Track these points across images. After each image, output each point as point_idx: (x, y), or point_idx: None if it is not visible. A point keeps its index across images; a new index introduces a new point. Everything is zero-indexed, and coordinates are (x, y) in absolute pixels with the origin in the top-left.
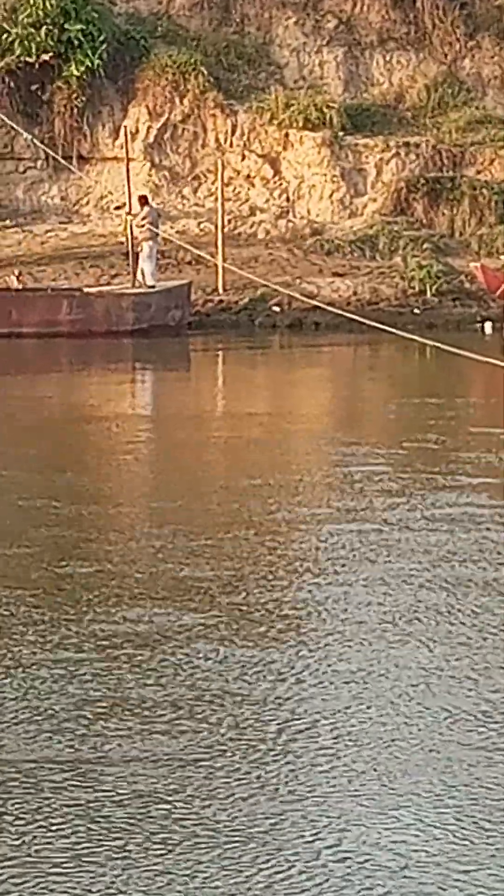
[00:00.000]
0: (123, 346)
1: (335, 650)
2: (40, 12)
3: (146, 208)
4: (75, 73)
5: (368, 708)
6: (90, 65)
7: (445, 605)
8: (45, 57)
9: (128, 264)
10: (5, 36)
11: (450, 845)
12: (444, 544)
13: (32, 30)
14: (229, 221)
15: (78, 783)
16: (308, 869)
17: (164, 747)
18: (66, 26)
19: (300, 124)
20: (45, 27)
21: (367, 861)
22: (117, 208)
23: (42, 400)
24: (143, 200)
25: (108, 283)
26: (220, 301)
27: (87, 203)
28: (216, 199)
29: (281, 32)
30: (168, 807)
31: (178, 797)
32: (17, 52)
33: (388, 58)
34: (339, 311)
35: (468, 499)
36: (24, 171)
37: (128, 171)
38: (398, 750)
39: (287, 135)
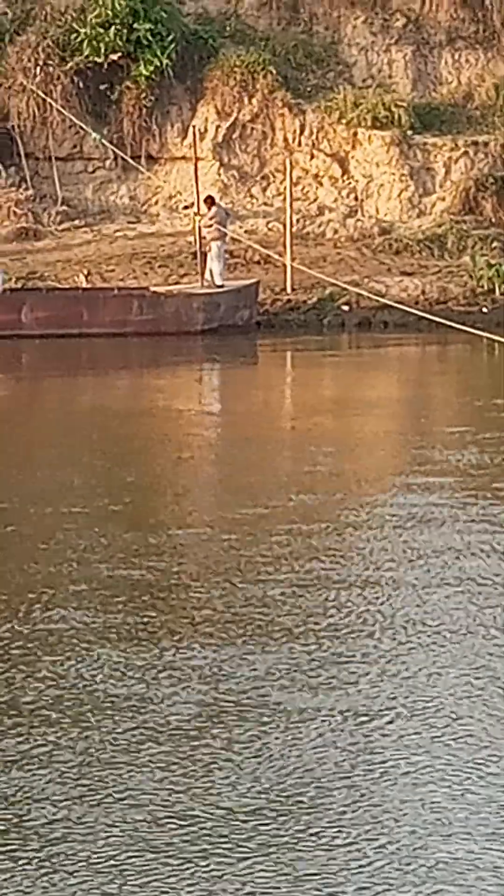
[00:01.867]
0: (193, 345)
1: None
2: (109, 12)
3: (214, 208)
4: (144, 72)
5: None
6: (159, 64)
7: None
8: (114, 57)
9: (196, 264)
10: (74, 36)
11: None
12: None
13: (101, 30)
14: (298, 221)
15: None
16: None
17: None
18: (135, 26)
19: (368, 123)
20: (113, 27)
21: None
22: (185, 208)
23: (112, 396)
24: (211, 201)
25: (177, 283)
26: (289, 300)
27: (156, 203)
28: (284, 198)
29: (349, 31)
30: None
31: None
32: (86, 52)
33: (456, 56)
34: (408, 309)
35: None
36: (93, 172)
37: (196, 170)
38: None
39: (355, 134)
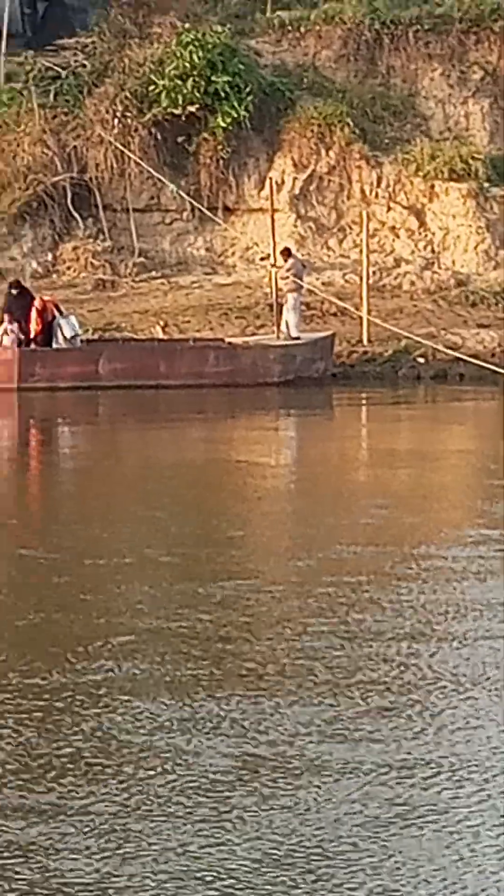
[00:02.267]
0: (268, 397)
1: None
2: (187, 64)
3: (290, 260)
4: (221, 124)
5: None
6: (236, 116)
7: None
8: (192, 109)
9: (272, 316)
10: (152, 88)
11: None
12: None
13: (179, 81)
14: (374, 273)
15: None
16: None
17: None
18: (213, 78)
19: (445, 175)
20: (191, 79)
21: None
22: (262, 259)
23: (186, 447)
24: (287, 252)
25: (253, 335)
26: (365, 352)
27: (233, 254)
28: (361, 250)
29: (426, 84)
30: None
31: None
32: (164, 103)
33: None
34: (484, 364)
35: None
36: (171, 223)
37: (273, 222)
38: None
39: (432, 186)
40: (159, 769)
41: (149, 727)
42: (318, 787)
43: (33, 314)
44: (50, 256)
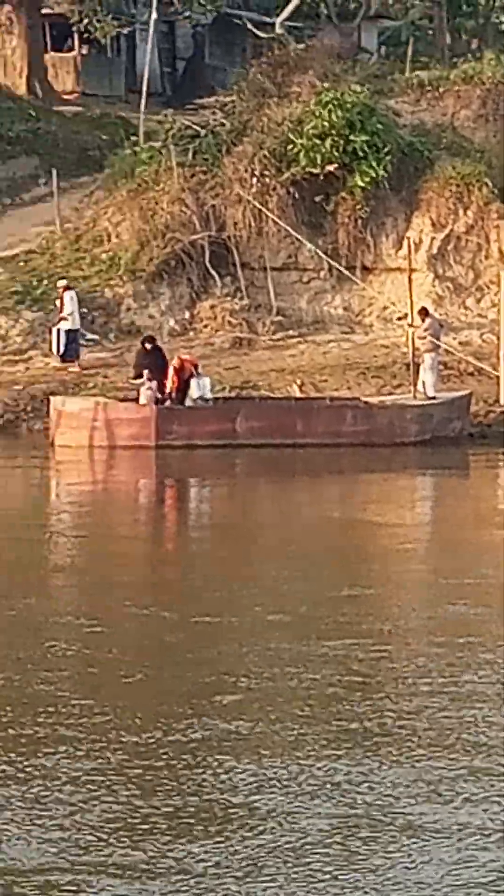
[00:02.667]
0: (405, 456)
1: None
2: (326, 123)
3: (428, 320)
4: (360, 184)
5: None
6: (374, 176)
7: None
8: (330, 168)
9: (409, 375)
10: (290, 147)
11: None
12: None
13: (318, 141)
14: None
15: None
16: None
17: None
18: (351, 138)
19: None
20: (330, 138)
21: None
22: (399, 319)
23: (321, 507)
24: (424, 312)
25: (390, 394)
26: (502, 412)
27: (370, 314)
28: (499, 310)
29: None
30: None
31: None
32: (303, 162)
33: None
34: None
35: None
36: (308, 282)
37: (410, 282)
38: None
39: None
40: (256, 830)
41: (249, 787)
42: (415, 848)
43: (170, 372)
44: (187, 314)
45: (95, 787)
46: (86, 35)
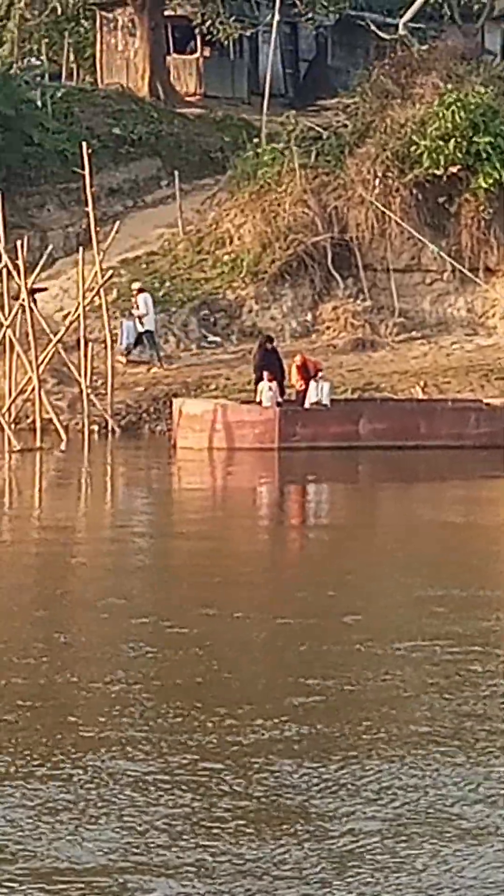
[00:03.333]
0: None
1: None
2: (449, 125)
3: None
4: (483, 185)
5: None
6: (498, 177)
7: None
8: (453, 169)
9: None
10: (414, 148)
11: None
12: None
13: (441, 142)
14: None
15: None
16: None
17: None
18: (475, 139)
19: None
20: (453, 140)
21: None
22: None
23: (447, 507)
24: None
25: None
26: None
27: (494, 315)
28: None
29: None
30: None
31: None
32: (426, 164)
33: None
34: None
35: None
36: (431, 283)
37: None
38: None
39: None
40: (307, 833)
41: (304, 790)
42: (465, 850)
43: (294, 371)
44: (310, 316)
45: (154, 790)
46: (208, 37)
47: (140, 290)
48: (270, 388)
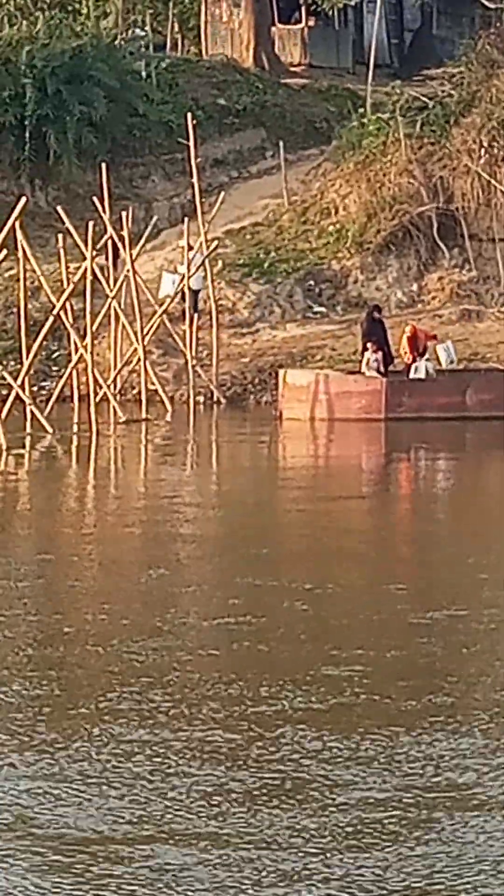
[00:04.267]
0: None
1: None
2: None
3: None
4: None
5: None
6: None
7: None
8: None
9: None
10: None
11: None
12: None
13: None
14: None
15: None
16: None
17: None
18: None
19: None
20: None
21: None
22: None
23: None
24: None
25: None
26: None
27: None
28: None
29: None
30: None
31: None
32: None
33: None
34: None
35: None
36: None
37: None
38: None
39: None
40: (322, 802)
41: (326, 761)
42: (475, 822)
43: (404, 342)
44: (415, 286)
45: (170, 759)
46: (313, 7)
47: (190, 247)
48: (375, 360)
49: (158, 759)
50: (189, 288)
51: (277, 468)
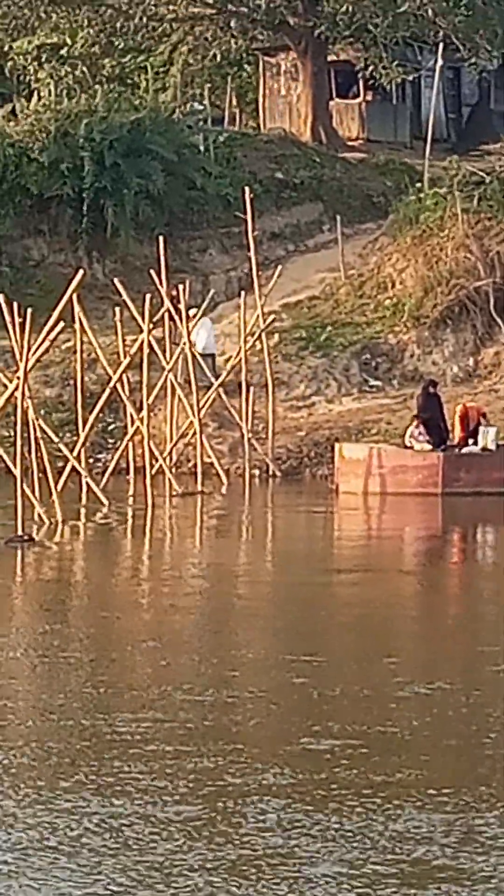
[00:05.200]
0: None
1: None
2: None
3: None
4: None
5: None
6: None
7: None
8: None
9: None
10: None
11: None
12: None
13: None
14: None
15: None
16: None
17: None
18: None
19: None
20: None
21: None
22: None
23: None
24: None
25: None
26: None
27: None
28: None
29: None
30: None
31: None
32: None
33: None
34: None
35: None
36: None
37: None
38: None
39: None
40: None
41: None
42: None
43: (456, 421)
44: (471, 361)
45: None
46: (371, 81)
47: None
48: (420, 433)
49: (110, 833)
50: (202, 355)
51: (333, 543)
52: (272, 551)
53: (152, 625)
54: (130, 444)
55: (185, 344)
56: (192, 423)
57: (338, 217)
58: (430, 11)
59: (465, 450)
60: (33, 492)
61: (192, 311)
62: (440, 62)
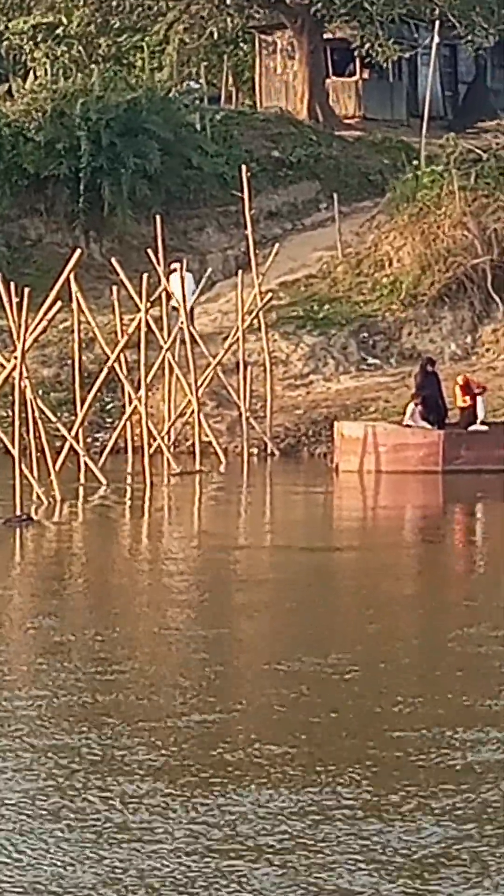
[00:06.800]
0: None
1: None
2: None
3: None
4: None
5: None
6: None
7: None
8: None
9: None
10: None
11: None
12: None
13: None
14: None
15: None
16: None
17: None
18: None
19: None
20: None
21: None
22: None
23: None
24: None
25: None
26: None
27: None
28: None
29: None
30: None
31: None
32: None
33: None
34: None
35: None
36: None
37: None
38: None
39: None
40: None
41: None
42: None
43: (457, 391)
44: (469, 339)
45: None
46: (367, 60)
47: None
48: (419, 411)
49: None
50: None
51: (333, 521)
52: (273, 531)
53: (152, 603)
54: (128, 423)
55: (182, 323)
56: (190, 402)
57: (335, 195)
58: None
59: (470, 428)
60: (31, 471)
61: (174, 266)
62: (437, 39)
